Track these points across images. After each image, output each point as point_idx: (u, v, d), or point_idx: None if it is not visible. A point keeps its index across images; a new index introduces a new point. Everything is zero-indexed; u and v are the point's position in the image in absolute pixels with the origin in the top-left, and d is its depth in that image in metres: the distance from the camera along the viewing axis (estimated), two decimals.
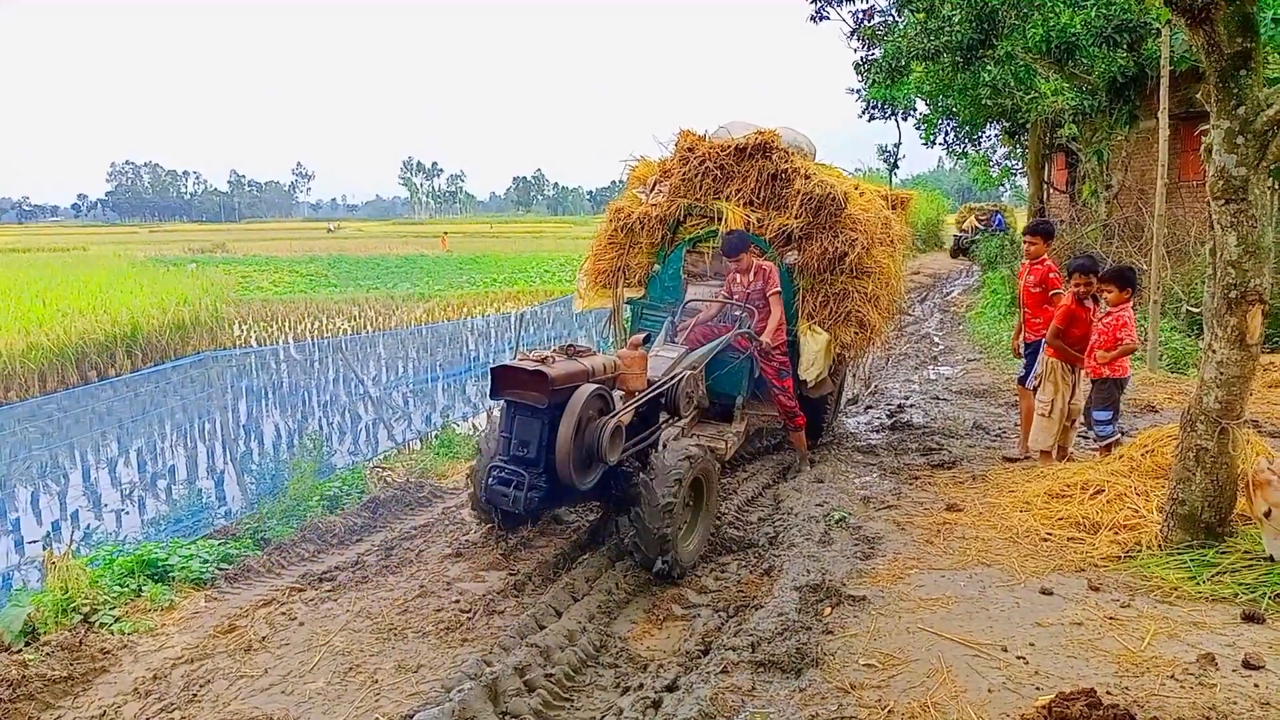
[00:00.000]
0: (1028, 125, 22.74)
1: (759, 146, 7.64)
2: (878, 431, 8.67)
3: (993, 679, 3.85)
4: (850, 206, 7.40)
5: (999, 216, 32.15)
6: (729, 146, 7.72)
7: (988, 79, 16.88)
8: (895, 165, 33.66)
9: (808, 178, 7.43)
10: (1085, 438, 7.54)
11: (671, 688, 3.96)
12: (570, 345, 5.08)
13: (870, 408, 9.77)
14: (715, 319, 7.27)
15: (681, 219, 7.84)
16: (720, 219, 7.57)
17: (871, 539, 5.63)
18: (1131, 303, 6.83)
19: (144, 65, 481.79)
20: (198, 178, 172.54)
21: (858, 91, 26.91)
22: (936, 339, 13.62)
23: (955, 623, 4.40)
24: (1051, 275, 7.43)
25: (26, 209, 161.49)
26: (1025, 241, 7.81)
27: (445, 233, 59.14)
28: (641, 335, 5.61)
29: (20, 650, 4.47)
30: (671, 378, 5.65)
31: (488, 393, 4.88)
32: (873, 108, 26.62)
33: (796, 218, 7.40)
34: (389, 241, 55.16)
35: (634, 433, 5.31)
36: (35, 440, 9.48)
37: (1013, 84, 17.57)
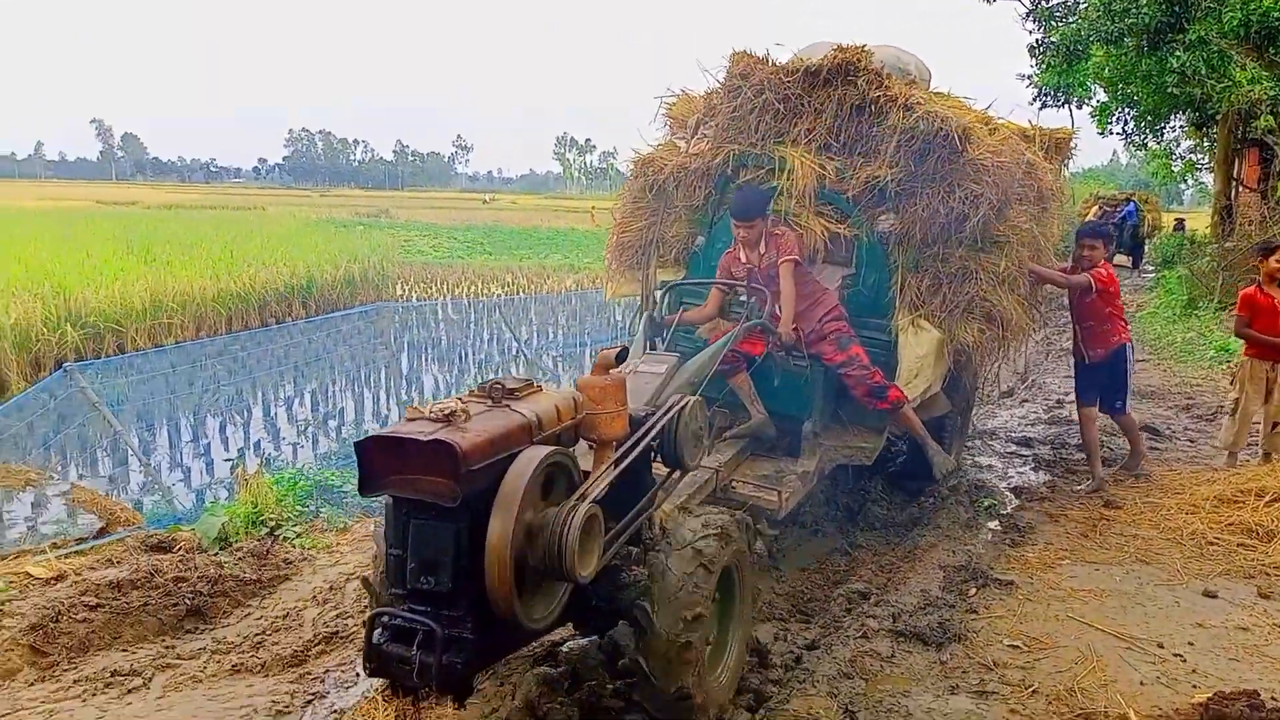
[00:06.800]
0: (1218, 117, 21.25)
1: (839, 68, 5.45)
2: (1034, 425, 8.40)
3: (1145, 672, 3.77)
4: (973, 149, 5.26)
5: (1131, 208, 25.12)
6: (796, 71, 5.57)
7: (1175, 65, 15.83)
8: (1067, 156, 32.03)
9: (909, 109, 5.31)
10: None
11: (811, 646, 4.05)
12: (498, 382, 3.04)
13: (1026, 401, 9.46)
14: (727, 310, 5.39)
15: (731, 172, 5.72)
16: (784, 171, 5.47)
17: (1022, 528, 5.52)
18: None
19: (320, 38, 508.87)
20: (366, 146, 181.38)
21: (1028, 77, 25.77)
22: None
23: (1108, 615, 4.31)
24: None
25: (213, 170, 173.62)
26: (1085, 246, 6.46)
27: (594, 208, 60.11)
28: (614, 349, 3.48)
29: (216, 554, 4.96)
30: (663, 411, 3.51)
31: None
32: (1045, 95, 25.37)
33: (892, 166, 5.30)
34: (541, 214, 56.51)
35: (615, 508, 3.15)
36: (223, 376, 10.37)
37: (1204, 71, 16.40)
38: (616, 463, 3.24)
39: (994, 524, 5.67)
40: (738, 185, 5.58)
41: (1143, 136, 27.13)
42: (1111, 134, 26.43)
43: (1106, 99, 24.84)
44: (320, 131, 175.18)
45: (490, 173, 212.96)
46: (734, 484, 4.82)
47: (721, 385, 5.13)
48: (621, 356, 3.44)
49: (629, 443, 3.26)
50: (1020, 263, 5.55)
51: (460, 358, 12.79)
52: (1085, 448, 6.64)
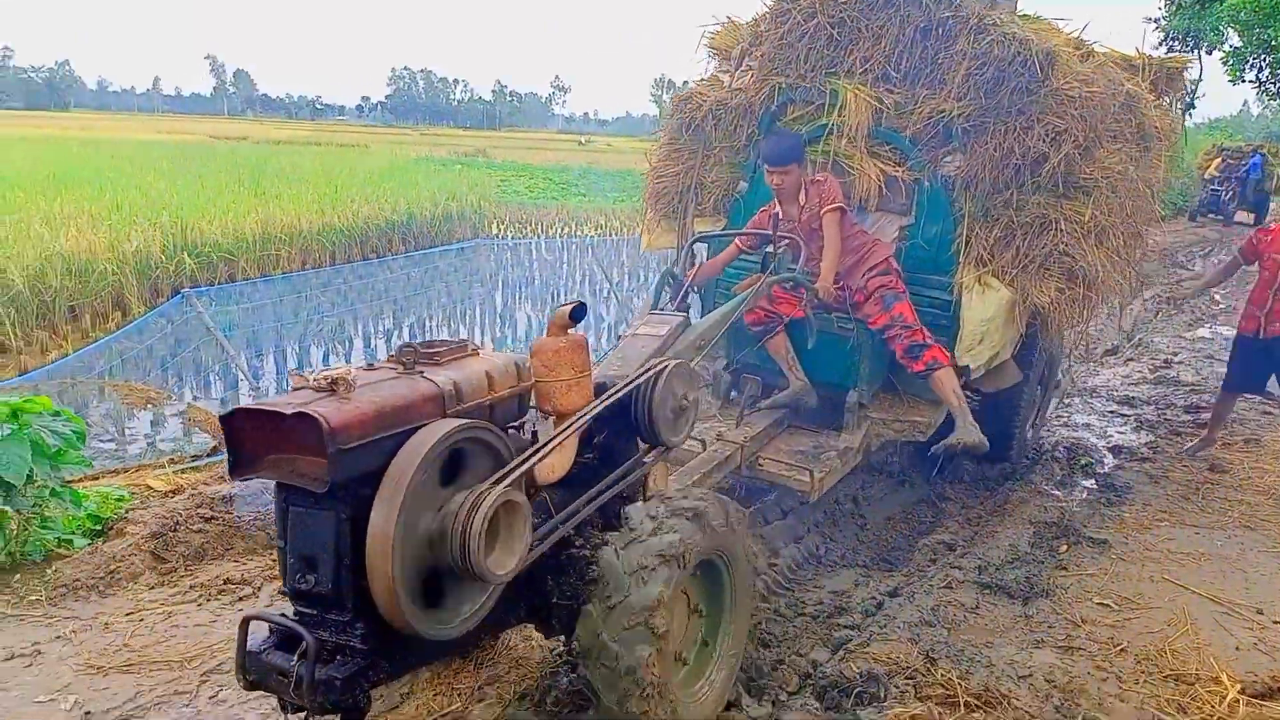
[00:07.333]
0: None
1: None
2: (1137, 385, 8.11)
3: (1242, 638, 3.67)
4: (1058, 77, 4.51)
5: (1257, 160, 22.47)
6: None
7: None
8: (1192, 105, 30.18)
9: (981, 31, 4.59)
10: None
11: (893, 594, 4.06)
12: (418, 346, 2.57)
13: (1131, 360, 9.12)
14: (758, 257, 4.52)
15: (776, 109, 5.16)
16: (835, 106, 4.88)
17: (1119, 487, 5.38)
18: None
19: None
20: (465, 85, 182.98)
21: (1156, 20, 24.40)
22: (1218, 296, 12.33)
23: (1205, 579, 4.20)
24: None
25: (318, 107, 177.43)
26: None
27: None
28: (569, 305, 2.89)
29: None
30: (633, 376, 3.04)
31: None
32: (1173, 39, 24.05)
33: (960, 98, 4.63)
34: (636, 157, 55.85)
35: (585, 482, 2.89)
36: (326, 307, 10.75)
37: None
38: (551, 443, 2.73)
39: (1090, 482, 5.57)
40: (779, 126, 5.09)
41: (1279, 85, 25.42)
42: (1244, 82, 24.87)
43: (1240, 44, 23.33)
44: (422, 70, 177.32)
45: (586, 114, 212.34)
46: (762, 461, 4.42)
47: (746, 343, 4.79)
48: (578, 313, 2.86)
49: (578, 415, 2.78)
50: (1112, 211, 4.76)
51: (553, 297, 12.96)
52: (1213, 416, 6.06)
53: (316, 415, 2.09)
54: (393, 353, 2.56)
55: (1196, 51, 24.53)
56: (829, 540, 4.72)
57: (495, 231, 19.13)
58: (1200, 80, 26.06)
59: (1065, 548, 4.51)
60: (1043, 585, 4.06)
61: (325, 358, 9.52)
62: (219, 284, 11.85)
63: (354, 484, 2.20)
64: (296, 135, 54.97)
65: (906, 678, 3.28)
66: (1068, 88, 4.52)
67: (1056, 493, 5.35)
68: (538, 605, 2.82)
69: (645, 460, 3.13)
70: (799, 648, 3.58)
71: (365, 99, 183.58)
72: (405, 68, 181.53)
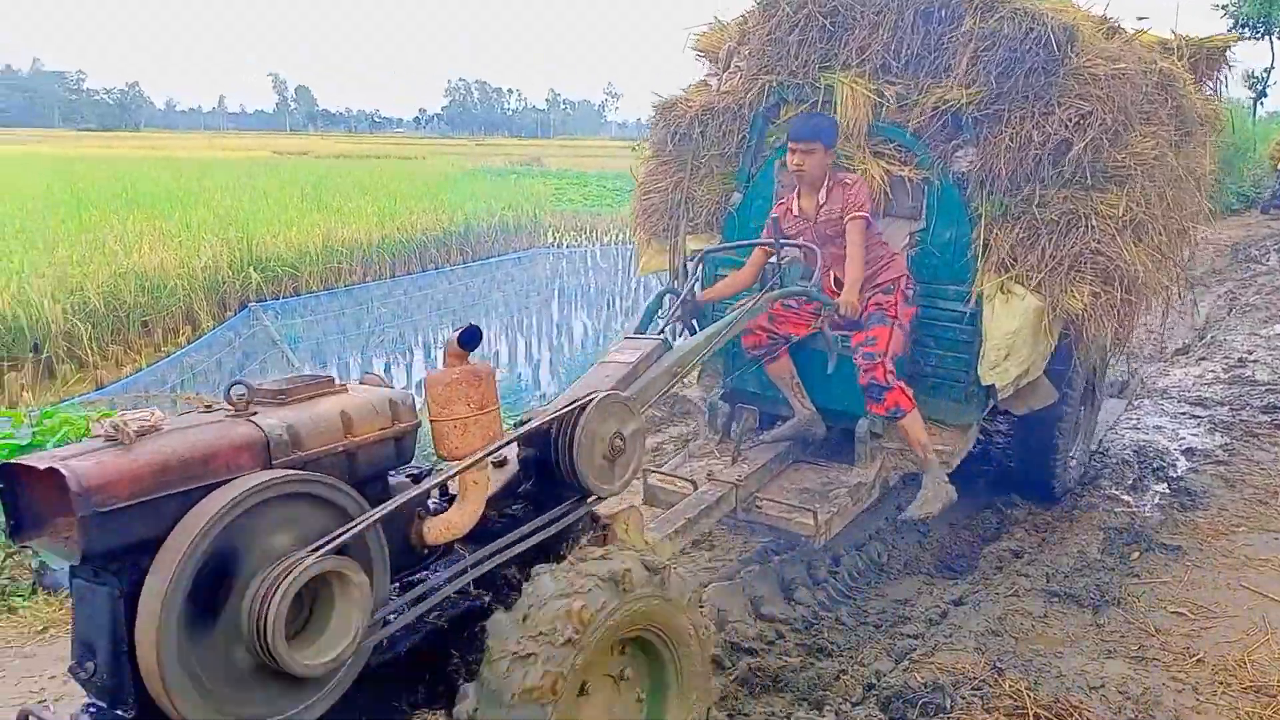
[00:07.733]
0: None
1: None
2: (1210, 385, 7.86)
3: None
4: (1079, 53, 4.00)
5: None
6: None
7: None
8: (1263, 93, 29.22)
9: (989, 8, 4.05)
10: None
11: (959, 602, 4.01)
12: (255, 384, 2.15)
13: (1204, 359, 8.85)
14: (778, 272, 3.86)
15: (769, 110, 4.64)
16: (832, 103, 4.37)
17: (1193, 492, 5.22)
18: None
19: None
20: (519, 95, 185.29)
21: (1225, 6, 23.71)
22: None
23: None
24: None
25: (377, 120, 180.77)
26: None
27: None
28: (459, 330, 2.36)
29: None
30: (561, 409, 2.58)
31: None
32: (1244, 25, 23.33)
33: (968, 85, 4.08)
34: None
35: (507, 531, 2.46)
36: (388, 318, 10.97)
37: None
38: (510, 484, 2.50)
39: (1162, 486, 5.40)
40: (780, 122, 4.59)
41: None
42: None
43: None
44: (477, 81, 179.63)
45: (639, 120, 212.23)
46: (760, 502, 3.94)
47: (744, 368, 4.38)
48: (468, 338, 2.32)
49: (468, 460, 2.29)
50: (1150, 203, 4.15)
51: (608, 304, 13.04)
52: None
53: (65, 471, 1.71)
54: (233, 391, 2.10)
55: (1268, 36, 23.78)
56: (891, 547, 4.66)
57: (551, 240, 19.29)
58: (1272, 68, 25.22)
59: (1137, 554, 4.40)
60: (1114, 593, 3.96)
61: (386, 368, 9.69)
62: (284, 298, 12.15)
63: (134, 553, 1.82)
64: (356, 149, 56.06)
65: (973, 688, 3.23)
66: (1090, 65, 4.00)
67: (1127, 498, 5.21)
68: (440, 689, 2.37)
69: (574, 512, 2.61)
70: (862, 657, 3.55)
71: (422, 111, 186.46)
72: (460, 79, 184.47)
